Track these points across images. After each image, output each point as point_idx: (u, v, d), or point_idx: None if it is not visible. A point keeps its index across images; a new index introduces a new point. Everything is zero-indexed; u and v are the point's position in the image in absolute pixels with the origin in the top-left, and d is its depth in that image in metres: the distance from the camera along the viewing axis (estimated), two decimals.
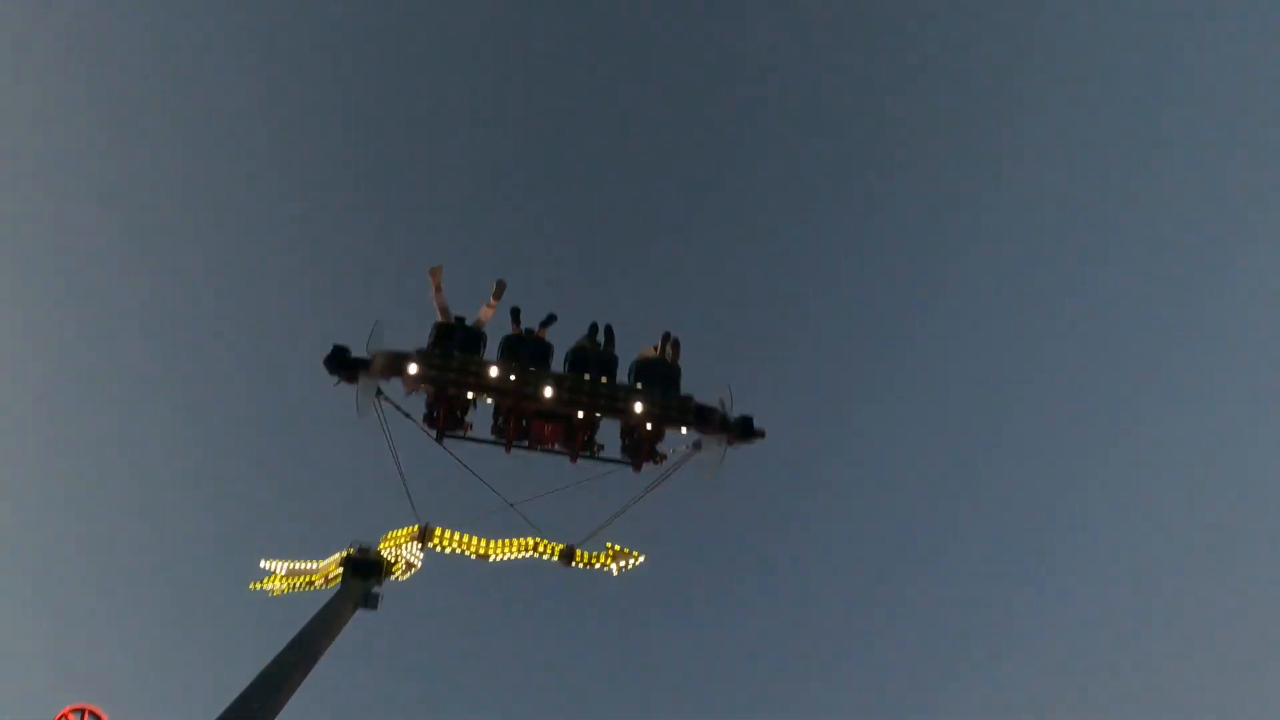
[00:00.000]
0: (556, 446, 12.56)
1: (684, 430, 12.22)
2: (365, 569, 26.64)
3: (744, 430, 12.23)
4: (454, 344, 11.73)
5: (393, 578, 27.72)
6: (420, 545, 26.99)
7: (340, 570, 27.15)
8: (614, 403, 11.56)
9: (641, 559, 29.46)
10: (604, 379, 11.88)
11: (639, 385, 12.06)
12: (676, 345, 13.01)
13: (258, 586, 26.18)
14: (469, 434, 12.87)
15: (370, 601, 26.01)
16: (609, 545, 29.19)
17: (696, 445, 13.04)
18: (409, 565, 26.65)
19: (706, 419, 11.98)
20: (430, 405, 12.06)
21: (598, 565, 29.48)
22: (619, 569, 30.63)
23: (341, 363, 11.33)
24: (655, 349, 12.92)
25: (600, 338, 12.57)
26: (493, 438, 12.78)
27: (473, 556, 27.58)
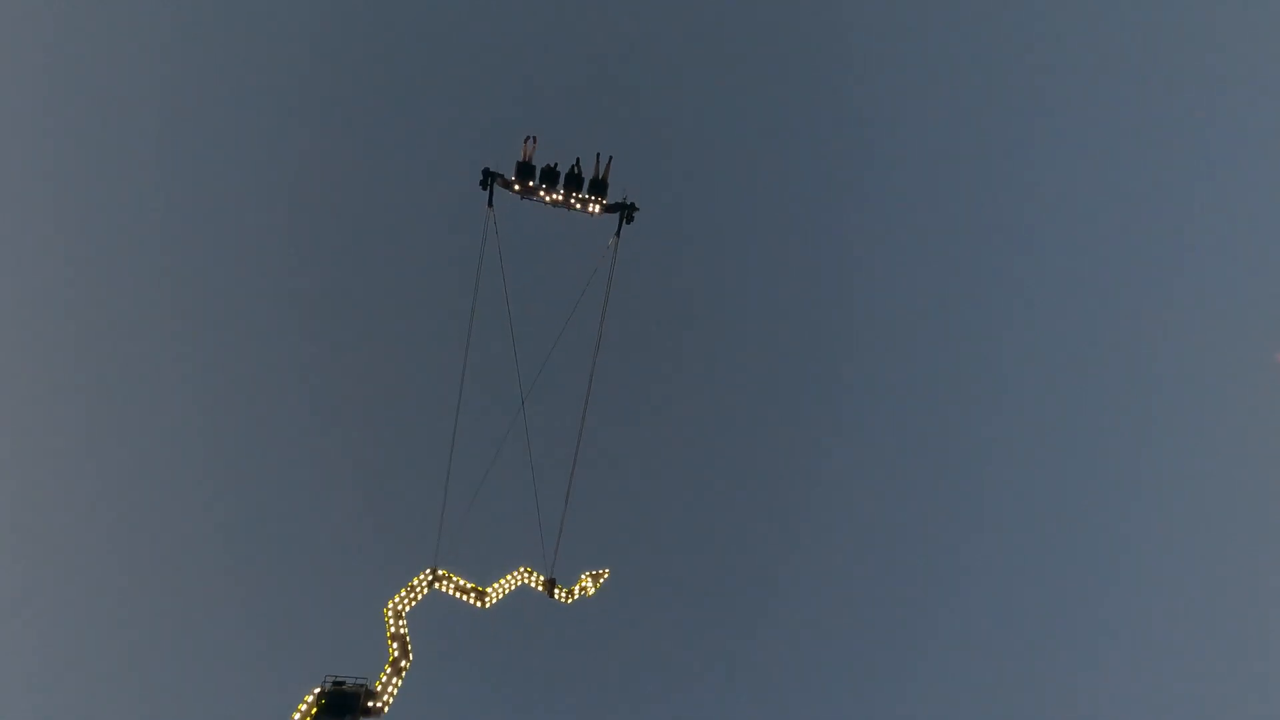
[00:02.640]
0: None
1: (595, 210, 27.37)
2: (341, 706, 24.30)
3: (630, 211, 27.45)
4: (525, 172, 26.70)
5: (374, 703, 25.72)
6: (430, 588, 28.71)
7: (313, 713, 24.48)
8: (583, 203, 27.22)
9: (608, 572, 33.89)
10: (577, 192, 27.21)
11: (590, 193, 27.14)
12: (609, 164, 27.01)
13: None
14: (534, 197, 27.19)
15: None
16: (582, 576, 33.29)
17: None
18: (403, 649, 26.60)
19: (616, 209, 27.35)
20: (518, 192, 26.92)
21: (577, 593, 33.10)
22: (595, 588, 34.87)
23: (487, 179, 26.39)
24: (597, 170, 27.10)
25: (587, 166, 26.98)
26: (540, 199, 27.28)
27: (473, 601, 29.66)
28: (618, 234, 27.56)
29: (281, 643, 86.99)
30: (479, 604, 31.58)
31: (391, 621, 27.80)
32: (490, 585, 31.86)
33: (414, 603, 28.96)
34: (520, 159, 26.48)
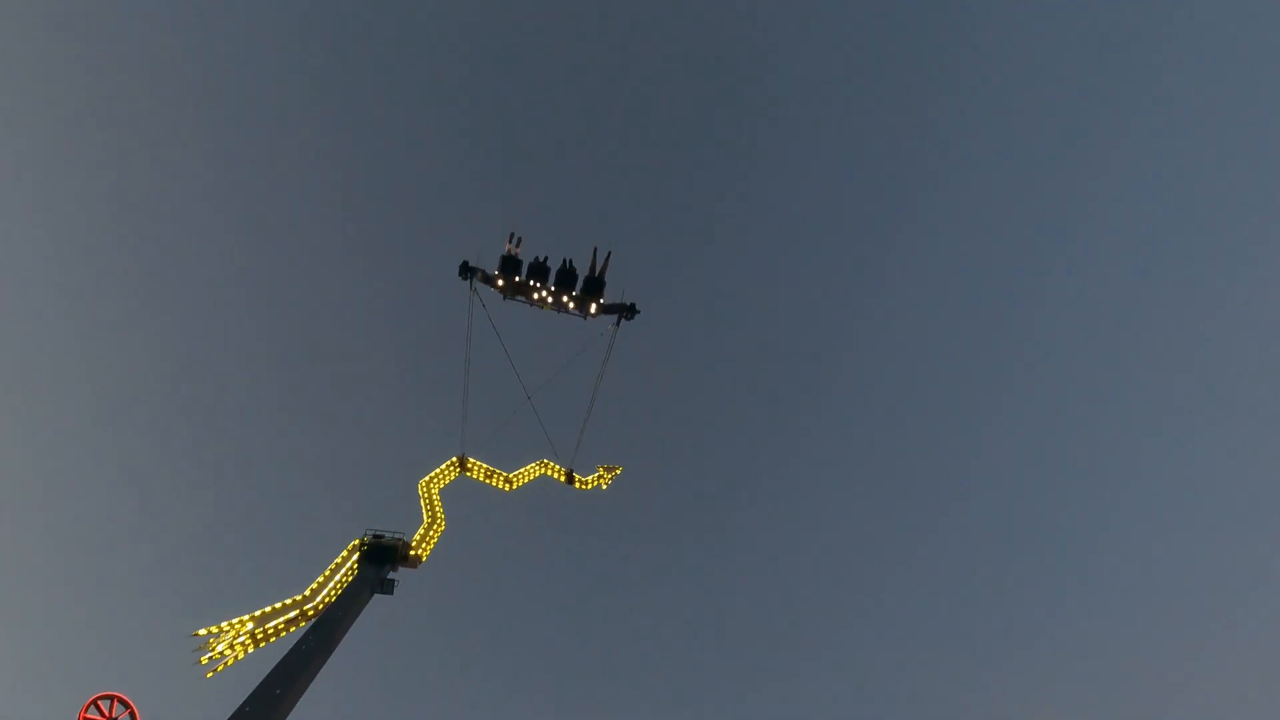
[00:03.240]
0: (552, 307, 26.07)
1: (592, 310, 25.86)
2: (380, 556, 29.41)
3: (630, 312, 25.66)
4: (510, 267, 25.02)
5: (414, 551, 30.77)
6: (459, 473, 34.33)
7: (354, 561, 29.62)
8: (577, 303, 25.87)
9: (620, 469, 38.96)
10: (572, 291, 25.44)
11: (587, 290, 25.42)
12: (606, 260, 24.77)
13: (207, 661, 24.36)
14: (515, 298, 25.72)
15: (386, 587, 29.39)
16: (600, 468, 38.50)
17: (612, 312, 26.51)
18: (434, 516, 31.55)
19: (616, 310, 26.08)
20: (500, 291, 25.41)
21: (592, 484, 38.60)
22: (609, 481, 40.37)
23: (466, 271, 24.88)
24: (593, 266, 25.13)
25: (581, 263, 25.11)
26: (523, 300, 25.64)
27: (499, 484, 34.97)
28: (616, 325, 25.83)
29: (336, 505, 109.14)
30: (505, 487, 36.60)
31: (424, 494, 32.98)
32: (514, 472, 36.82)
33: (444, 483, 34.06)
34: (504, 253, 23.80)
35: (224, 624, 24.15)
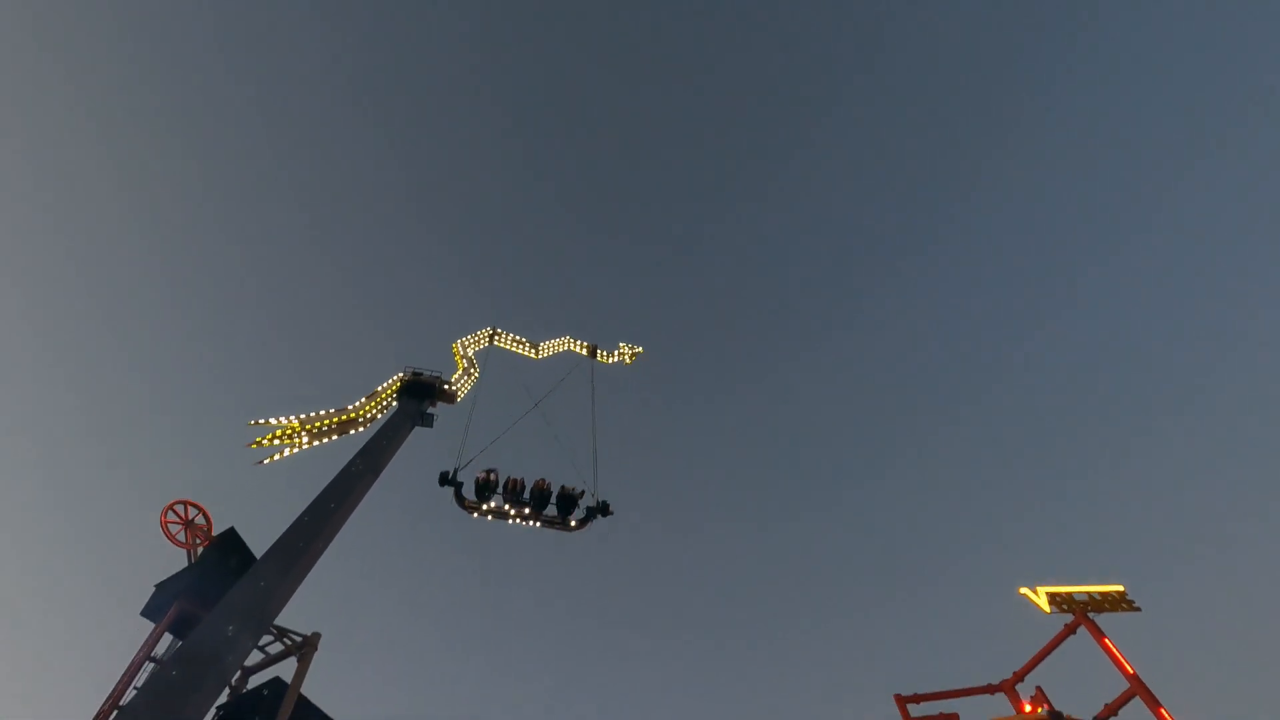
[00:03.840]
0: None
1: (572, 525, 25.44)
2: (420, 391, 30.93)
3: (605, 511, 25.59)
4: (487, 487, 25.04)
5: (450, 387, 32.33)
6: (490, 341, 36.07)
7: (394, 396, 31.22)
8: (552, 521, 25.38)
9: (640, 349, 40.13)
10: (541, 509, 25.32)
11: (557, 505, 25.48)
12: (582, 494, 25.81)
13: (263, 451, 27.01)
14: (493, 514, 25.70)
15: (426, 420, 30.98)
16: (621, 345, 39.45)
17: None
18: (470, 366, 33.38)
19: (593, 515, 25.60)
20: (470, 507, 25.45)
21: (616, 359, 39.83)
22: (630, 359, 41.71)
23: (446, 481, 25.18)
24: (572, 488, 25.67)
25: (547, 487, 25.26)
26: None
27: (526, 351, 36.53)
28: (584, 523, 25.09)
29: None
30: (532, 354, 37.96)
31: (460, 352, 34.35)
32: (542, 343, 38.05)
33: (476, 347, 35.29)
34: (478, 480, 24.09)
35: (277, 420, 27.11)
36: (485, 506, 24.42)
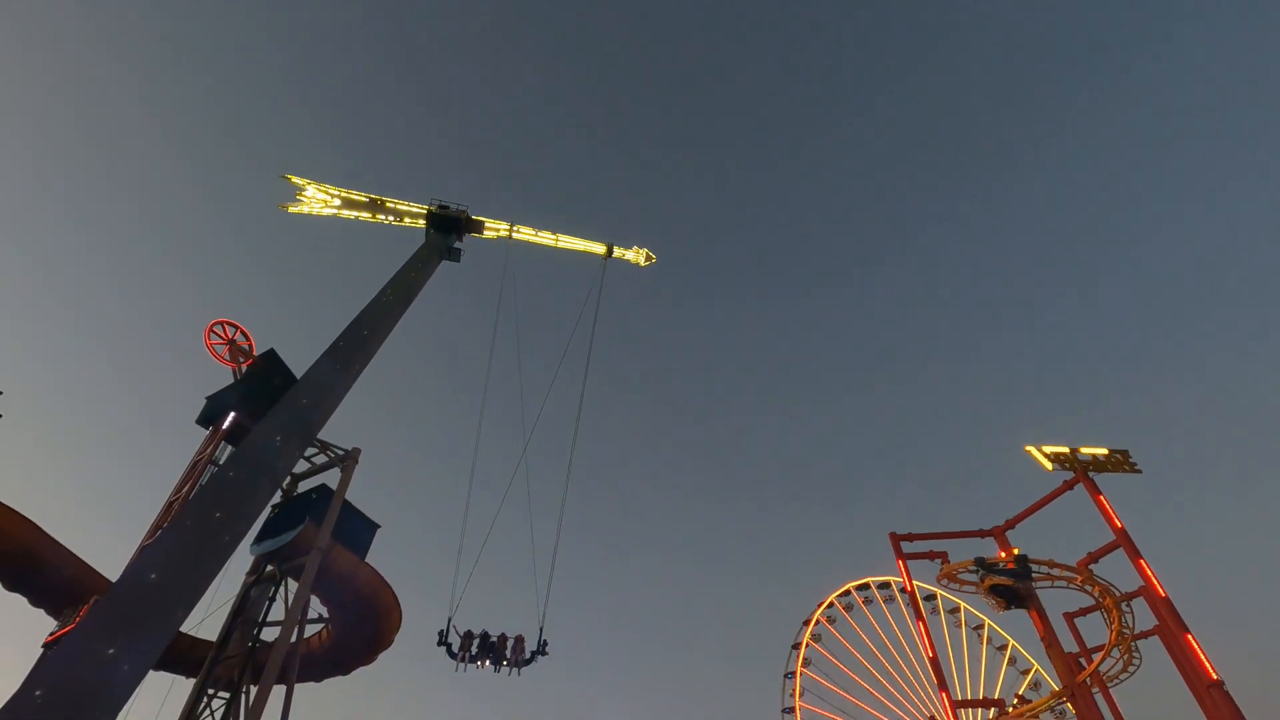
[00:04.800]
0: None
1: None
2: (446, 224, 30.71)
3: (542, 652, 29.15)
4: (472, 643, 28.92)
5: (478, 219, 31.97)
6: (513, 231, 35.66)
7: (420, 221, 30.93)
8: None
9: (655, 258, 39.55)
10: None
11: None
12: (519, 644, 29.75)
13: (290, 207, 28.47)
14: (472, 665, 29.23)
15: (453, 255, 30.84)
16: (636, 248, 38.78)
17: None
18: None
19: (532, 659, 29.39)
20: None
21: (629, 258, 39.42)
22: (645, 262, 41.36)
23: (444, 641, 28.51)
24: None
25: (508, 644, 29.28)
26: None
27: (551, 242, 36.17)
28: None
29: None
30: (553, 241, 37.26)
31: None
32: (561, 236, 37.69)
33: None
34: (462, 637, 29.04)
35: (314, 183, 28.17)
36: (464, 659, 29.77)
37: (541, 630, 28.73)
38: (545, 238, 37.37)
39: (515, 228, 36.31)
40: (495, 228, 33.71)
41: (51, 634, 24.95)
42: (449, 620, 28.62)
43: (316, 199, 28.01)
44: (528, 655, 28.91)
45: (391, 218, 30.26)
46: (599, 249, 40.64)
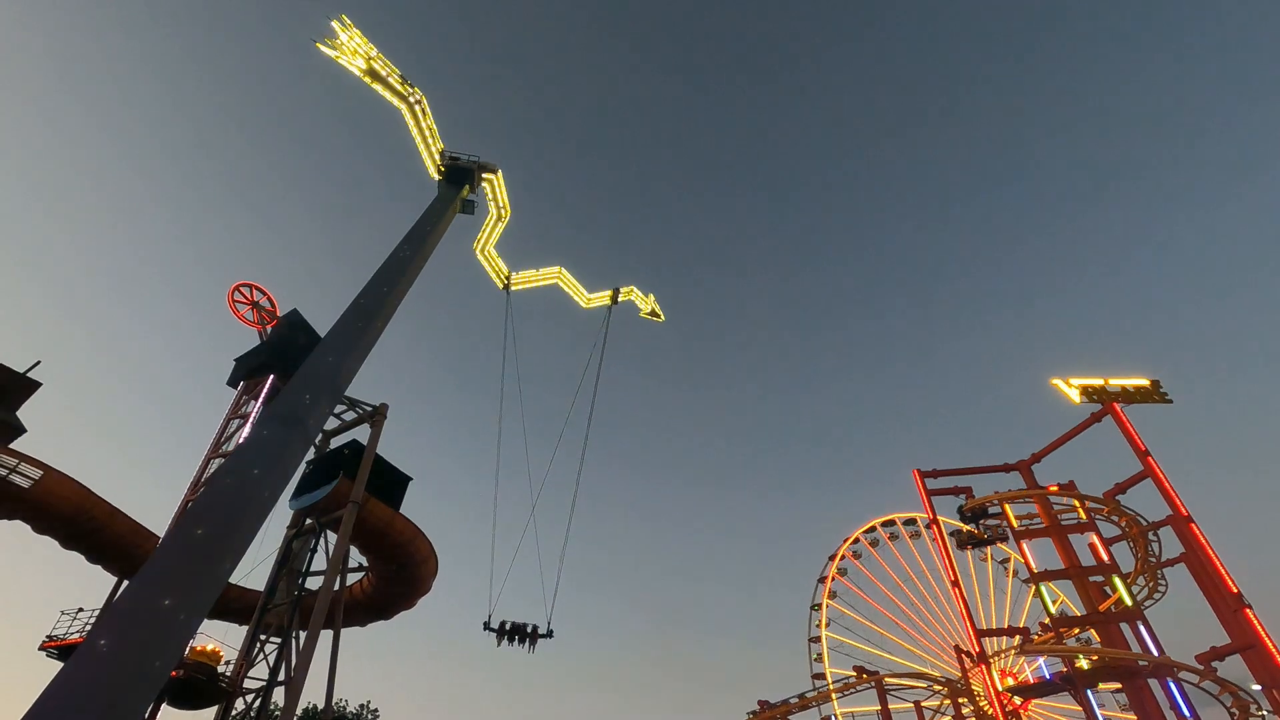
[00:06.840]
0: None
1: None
2: (458, 177, 30.28)
3: (548, 635, 36.09)
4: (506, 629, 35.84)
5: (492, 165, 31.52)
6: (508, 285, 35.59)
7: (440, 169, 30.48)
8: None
9: (663, 319, 44.02)
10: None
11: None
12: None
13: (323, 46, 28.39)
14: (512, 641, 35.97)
15: (466, 208, 30.55)
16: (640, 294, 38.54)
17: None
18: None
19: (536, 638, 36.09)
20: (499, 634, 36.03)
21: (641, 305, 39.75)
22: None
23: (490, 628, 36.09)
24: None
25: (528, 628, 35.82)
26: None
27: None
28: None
29: None
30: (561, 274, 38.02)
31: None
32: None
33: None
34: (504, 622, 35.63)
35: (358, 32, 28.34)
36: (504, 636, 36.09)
37: (549, 620, 36.12)
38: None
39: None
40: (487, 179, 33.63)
41: (49, 637, 26.71)
42: (489, 614, 36.23)
43: (348, 48, 28.19)
44: (543, 632, 36.12)
45: (409, 111, 29.78)
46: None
